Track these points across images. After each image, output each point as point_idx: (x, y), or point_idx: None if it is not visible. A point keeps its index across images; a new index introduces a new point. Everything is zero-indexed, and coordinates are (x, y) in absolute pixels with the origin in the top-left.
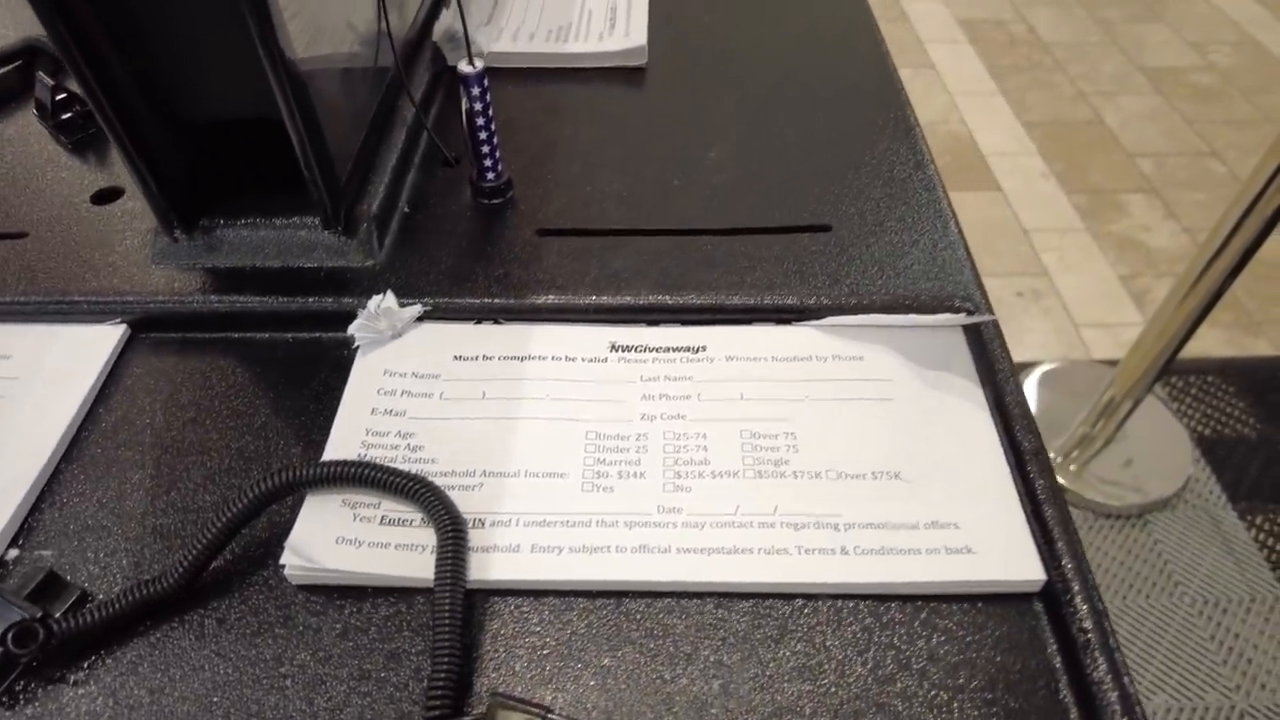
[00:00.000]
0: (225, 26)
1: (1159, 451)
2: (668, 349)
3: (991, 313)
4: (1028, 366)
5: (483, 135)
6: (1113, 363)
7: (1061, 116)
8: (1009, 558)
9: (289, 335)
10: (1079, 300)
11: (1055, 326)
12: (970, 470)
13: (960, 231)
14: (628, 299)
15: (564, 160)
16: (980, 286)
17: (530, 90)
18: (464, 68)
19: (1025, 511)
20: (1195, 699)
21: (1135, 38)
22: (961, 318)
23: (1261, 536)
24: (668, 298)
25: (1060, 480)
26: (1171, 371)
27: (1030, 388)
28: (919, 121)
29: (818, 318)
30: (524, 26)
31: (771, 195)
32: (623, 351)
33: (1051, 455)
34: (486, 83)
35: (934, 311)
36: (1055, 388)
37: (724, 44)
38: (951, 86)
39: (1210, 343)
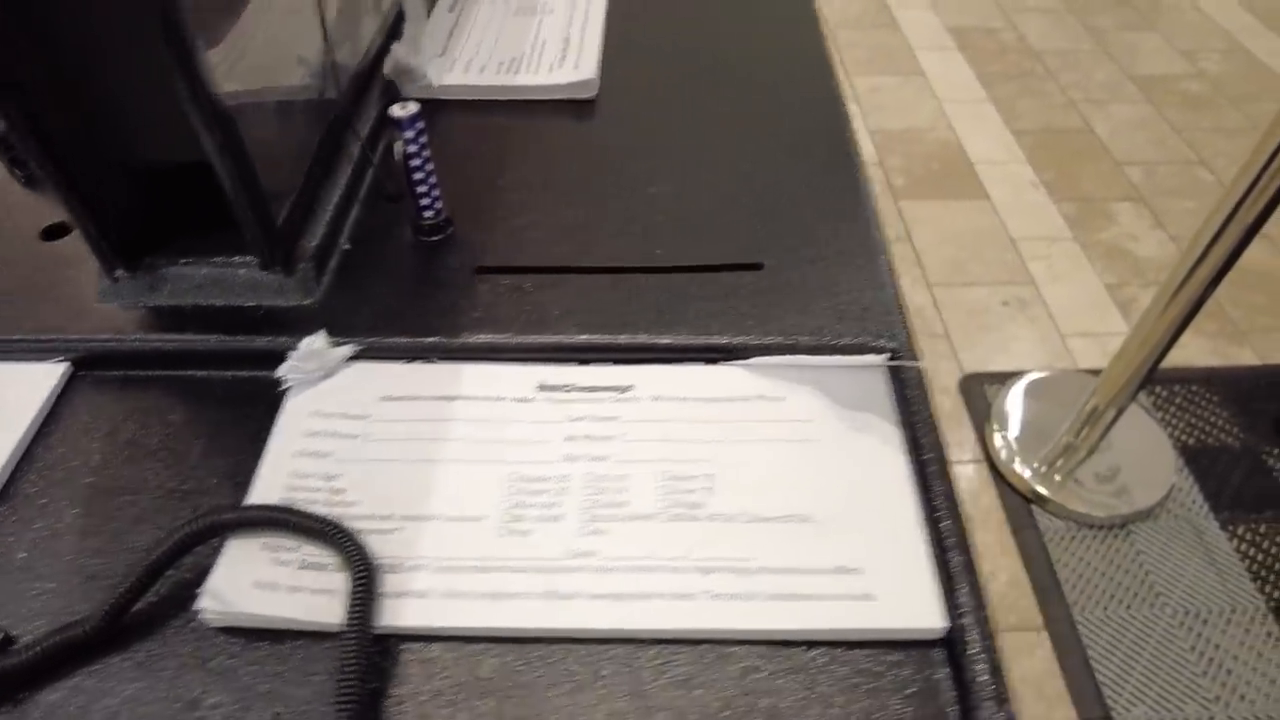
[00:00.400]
0: (157, 72)
1: (1142, 461)
2: (595, 389)
3: (915, 357)
4: (1014, 376)
5: (418, 176)
6: (1099, 372)
7: (1051, 125)
8: (911, 605)
9: (228, 373)
10: (1066, 309)
11: (1042, 335)
12: (880, 515)
13: (892, 271)
14: (560, 338)
15: (506, 195)
16: (906, 327)
17: (479, 122)
18: (396, 111)
19: (932, 557)
20: (1175, 710)
21: (1126, 46)
22: (884, 359)
23: (1243, 547)
24: (599, 337)
25: (1044, 490)
26: (1155, 381)
27: (1016, 397)
28: (865, 157)
29: (744, 358)
30: (477, 58)
31: (708, 231)
32: (550, 391)
33: (1036, 464)
34: (421, 124)
35: (859, 352)
36: (1041, 397)
37: (678, 76)
38: (941, 94)
39: (1195, 352)
